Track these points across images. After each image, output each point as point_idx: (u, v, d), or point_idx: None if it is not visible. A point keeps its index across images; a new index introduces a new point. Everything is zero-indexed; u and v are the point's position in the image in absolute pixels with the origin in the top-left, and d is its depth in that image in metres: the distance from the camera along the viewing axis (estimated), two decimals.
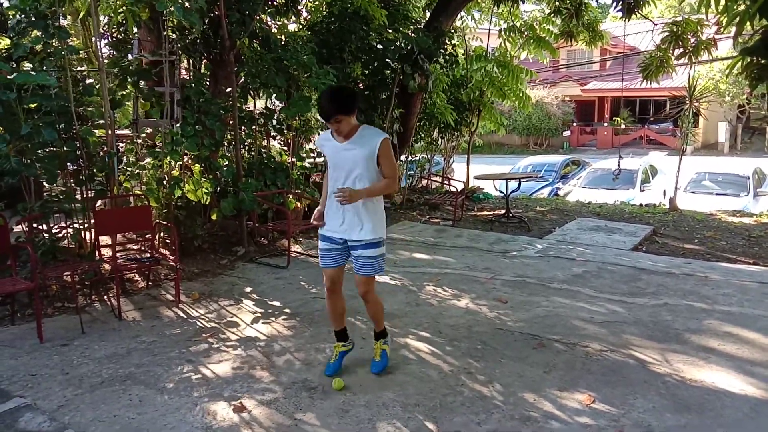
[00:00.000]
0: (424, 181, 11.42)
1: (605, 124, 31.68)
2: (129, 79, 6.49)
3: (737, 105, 27.74)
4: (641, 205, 12.36)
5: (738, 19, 5.49)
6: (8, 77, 4.92)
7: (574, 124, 32.36)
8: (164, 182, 6.42)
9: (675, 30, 8.62)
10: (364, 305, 3.98)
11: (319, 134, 8.84)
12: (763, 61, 5.82)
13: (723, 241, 8.09)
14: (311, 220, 3.90)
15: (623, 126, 30.41)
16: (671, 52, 8.91)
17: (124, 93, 6.65)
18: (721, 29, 7.03)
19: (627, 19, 9.34)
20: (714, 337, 4.58)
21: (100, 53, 6.24)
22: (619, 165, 12.92)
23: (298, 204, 7.86)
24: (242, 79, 7.51)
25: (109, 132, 6.03)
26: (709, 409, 3.53)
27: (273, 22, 8.49)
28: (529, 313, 5.11)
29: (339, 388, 3.75)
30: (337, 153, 3.71)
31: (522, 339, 4.57)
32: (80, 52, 7.00)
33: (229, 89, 7.06)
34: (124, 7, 6.49)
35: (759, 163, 16.12)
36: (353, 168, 3.65)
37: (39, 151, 5.32)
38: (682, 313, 5.09)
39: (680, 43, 8.65)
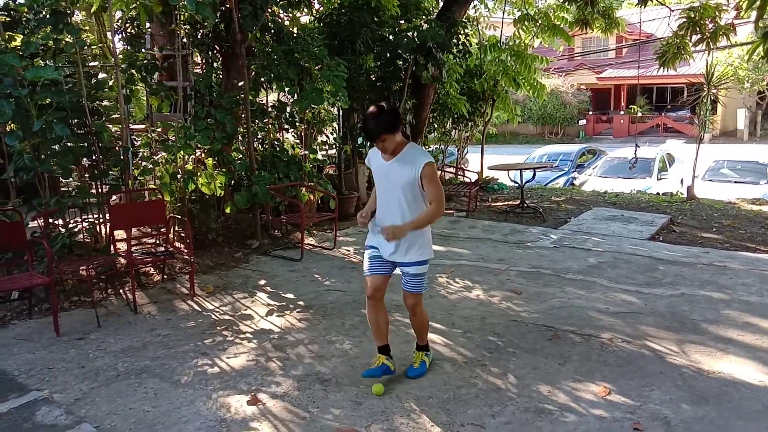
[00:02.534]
0: (438, 172, 11.36)
1: (621, 113, 31.32)
2: (139, 74, 6.51)
3: (757, 91, 27.28)
4: (658, 194, 12.20)
5: (759, 2, 5.39)
6: (20, 73, 4.95)
7: (590, 112, 32.05)
8: (178, 176, 6.45)
9: (692, 16, 8.45)
10: (409, 316, 3.89)
11: (330, 126, 8.90)
12: None
13: (742, 230, 7.97)
14: (358, 216, 3.78)
15: (640, 114, 30.01)
16: (688, 38, 8.74)
17: (135, 88, 6.67)
18: (741, 14, 6.90)
19: (643, 6, 9.18)
20: (732, 327, 4.52)
21: (114, 48, 6.26)
22: (635, 153, 12.79)
23: (311, 196, 7.86)
24: (254, 72, 7.50)
25: (123, 126, 6.06)
26: (728, 400, 3.48)
27: (285, 14, 8.46)
28: (543, 305, 5.07)
29: (378, 393, 3.60)
30: (381, 171, 3.67)
31: (536, 330, 4.53)
32: (94, 47, 7.01)
33: (240, 83, 7.06)
34: (137, 2, 6.50)
35: None
36: (396, 187, 3.58)
37: (53, 147, 5.36)
38: (700, 303, 5.03)
39: (698, 29, 8.47)
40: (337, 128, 9.05)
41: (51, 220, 5.58)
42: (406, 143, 3.63)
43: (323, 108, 8.28)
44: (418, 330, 3.91)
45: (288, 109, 7.81)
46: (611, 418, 3.32)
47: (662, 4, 10.08)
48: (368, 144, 9.21)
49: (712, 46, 8.73)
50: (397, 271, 3.75)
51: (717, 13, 8.39)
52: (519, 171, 9.39)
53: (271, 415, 3.43)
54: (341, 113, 8.93)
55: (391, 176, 3.60)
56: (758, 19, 6.42)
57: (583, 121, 31.55)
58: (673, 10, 9.94)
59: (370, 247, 3.78)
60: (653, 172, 14.33)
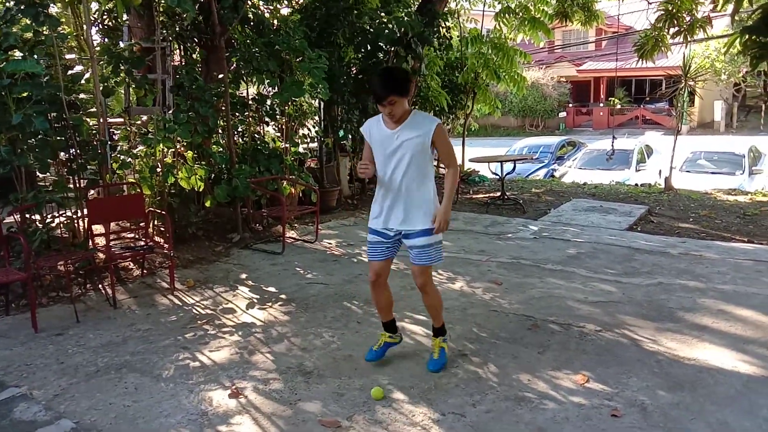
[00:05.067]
0: None
1: (601, 105, 31.60)
2: (121, 66, 6.43)
3: (733, 83, 27.67)
4: (637, 185, 12.35)
5: None
6: None
7: (570, 105, 32.29)
8: (157, 170, 6.40)
9: (669, 8, 8.55)
10: (422, 297, 3.83)
11: (312, 119, 8.86)
12: (764, 40, 5.80)
13: (718, 220, 8.11)
14: (359, 165, 3.62)
15: (619, 106, 30.34)
16: (666, 30, 8.84)
17: (117, 80, 6.60)
18: (717, 7, 6.99)
19: None
20: (708, 315, 4.61)
21: (91, 41, 6.18)
22: (612, 146, 12.93)
23: (293, 190, 7.84)
24: (234, 65, 7.45)
25: (101, 120, 5.99)
26: (702, 386, 3.55)
27: (265, 6, 8.41)
28: (523, 295, 5.12)
29: (378, 398, 3.47)
30: (387, 140, 3.55)
31: (516, 320, 4.58)
32: (70, 39, 6.91)
33: (221, 75, 7.01)
34: None
35: (755, 141, 16.10)
36: (405, 155, 3.50)
37: (30, 141, 5.29)
38: (676, 292, 5.11)
39: (675, 21, 8.58)
40: (318, 121, 9.03)
41: (28, 215, 5.51)
42: (411, 110, 3.58)
43: (304, 101, 8.25)
44: (432, 310, 3.84)
45: (268, 102, 7.77)
46: (590, 405, 3.37)
47: None
48: (350, 136, 9.22)
49: (689, 39, 8.84)
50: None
51: (694, 6, 8.49)
52: (500, 163, 9.45)
53: (253, 408, 3.43)
54: (322, 106, 8.90)
55: (399, 144, 3.51)
56: (734, 12, 6.50)
57: (563, 114, 31.78)
58: (650, 3, 10.05)
59: (373, 232, 3.71)
60: (632, 163, 14.50)
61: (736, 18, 6.94)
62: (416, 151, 3.51)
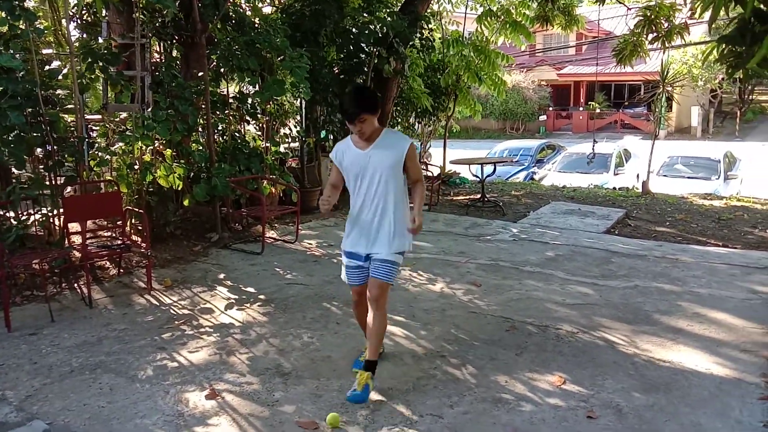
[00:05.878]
0: None
1: (581, 109, 31.91)
2: (99, 63, 6.34)
3: (710, 89, 28.10)
4: (615, 188, 12.50)
5: (713, 5, 5.54)
6: None
7: (550, 108, 32.56)
8: (135, 168, 6.32)
9: (648, 14, 8.66)
10: (369, 318, 3.57)
11: (293, 119, 8.82)
12: (739, 49, 5.89)
13: (694, 224, 8.23)
14: (319, 201, 3.54)
15: (598, 110, 30.65)
16: (644, 36, 8.95)
17: (93, 77, 6.50)
18: (695, 14, 7.10)
19: (601, 4, 9.36)
20: (683, 318, 4.67)
21: (69, 36, 6.10)
22: (593, 149, 13.06)
23: (273, 189, 7.80)
24: (214, 63, 7.39)
25: (78, 116, 5.91)
26: (676, 388, 3.60)
27: (246, 4, 8.35)
28: (502, 297, 5.15)
29: (334, 425, 3.21)
30: (360, 160, 3.51)
31: (495, 322, 4.61)
32: (48, 34, 6.81)
33: (201, 73, 6.95)
34: None
35: (730, 146, 16.42)
36: (380, 173, 3.48)
37: (5, 136, 5.19)
38: (652, 295, 5.18)
39: (653, 27, 8.68)
40: (300, 121, 9.00)
41: (2, 213, 5.41)
42: (382, 129, 3.58)
43: (286, 100, 8.21)
44: (374, 335, 3.55)
45: (249, 101, 7.72)
46: (566, 406, 3.40)
47: (620, 3, 10.28)
48: (332, 136, 9.20)
49: (666, 45, 8.96)
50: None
51: (671, 13, 8.61)
52: (480, 165, 9.50)
53: (230, 409, 3.41)
54: (304, 106, 8.87)
55: (372, 163, 3.49)
56: (712, 20, 6.58)
57: (543, 117, 32.05)
58: (630, 9, 10.17)
59: (347, 255, 3.66)
60: (610, 167, 14.67)
61: (714, 26, 7.04)
62: (389, 170, 3.49)
